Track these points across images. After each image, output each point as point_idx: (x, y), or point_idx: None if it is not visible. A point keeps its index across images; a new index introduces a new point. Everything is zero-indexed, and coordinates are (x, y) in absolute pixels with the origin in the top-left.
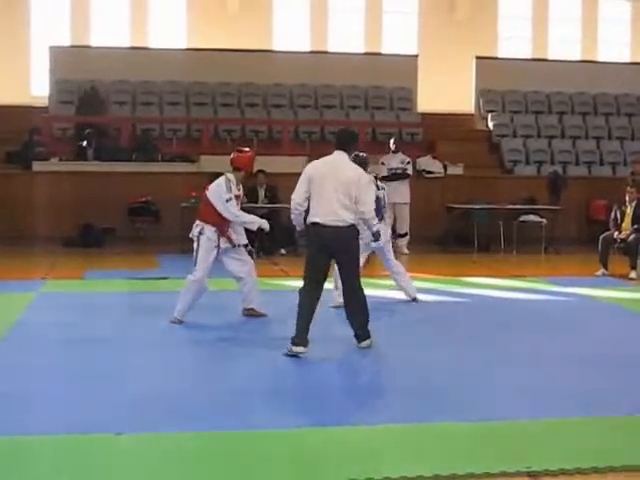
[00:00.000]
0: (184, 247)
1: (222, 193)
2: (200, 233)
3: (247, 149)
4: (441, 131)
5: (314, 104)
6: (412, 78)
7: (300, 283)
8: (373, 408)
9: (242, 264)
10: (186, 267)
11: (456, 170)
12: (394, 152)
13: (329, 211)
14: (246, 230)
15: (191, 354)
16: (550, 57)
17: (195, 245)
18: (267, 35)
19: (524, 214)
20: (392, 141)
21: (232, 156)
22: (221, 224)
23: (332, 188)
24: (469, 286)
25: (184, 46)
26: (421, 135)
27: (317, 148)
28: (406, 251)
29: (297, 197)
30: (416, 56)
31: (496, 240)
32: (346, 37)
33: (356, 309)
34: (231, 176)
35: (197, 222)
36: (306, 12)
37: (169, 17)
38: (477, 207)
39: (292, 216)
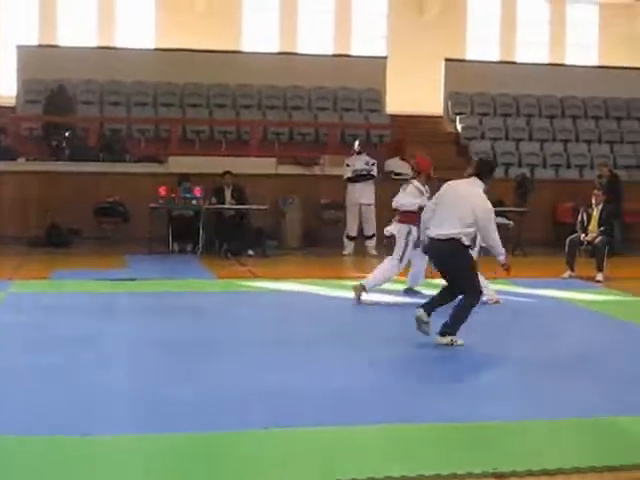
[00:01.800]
0: (152, 248)
1: None
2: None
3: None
4: (410, 133)
5: (283, 105)
6: (381, 80)
7: (268, 284)
8: (340, 409)
9: None
10: (154, 268)
11: None
12: (359, 154)
13: None
14: (219, 230)
15: (163, 354)
16: (518, 60)
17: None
18: (236, 36)
19: None
20: (357, 143)
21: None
22: None
23: None
24: (436, 287)
25: (152, 46)
26: (390, 137)
27: (286, 149)
28: (374, 253)
29: None
30: (385, 58)
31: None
32: (315, 38)
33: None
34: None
35: None
36: (275, 13)
37: (137, 17)
38: None
39: None
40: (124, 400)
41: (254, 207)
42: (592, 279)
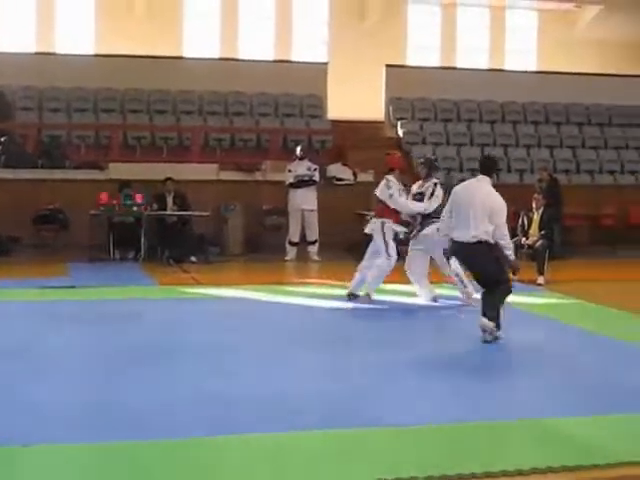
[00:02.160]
0: (93, 255)
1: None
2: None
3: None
4: (351, 138)
5: (224, 111)
6: (322, 86)
7: (210, 290)
8: (285, 415)
9: None
10: (95, 275)
11: (366, 177)
12: (300, 159)
13: None
14: (161, 237)
15: (104, 362)
16: (459, 66)
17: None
18: (177, 41)
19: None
20: (299, 148)
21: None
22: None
23: None
24: (382, 293)
25: (92, 52)
26: (331, 142)
27: (227, 155)
28: (316, 258)
29: None
30: (326, 64)
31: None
32: (256, 44)
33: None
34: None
35: None
36: (216, 18)
37: (76, 22)
38: None
39: None
40: (65, 409)
41: (196, 213)
42: (533, 282)
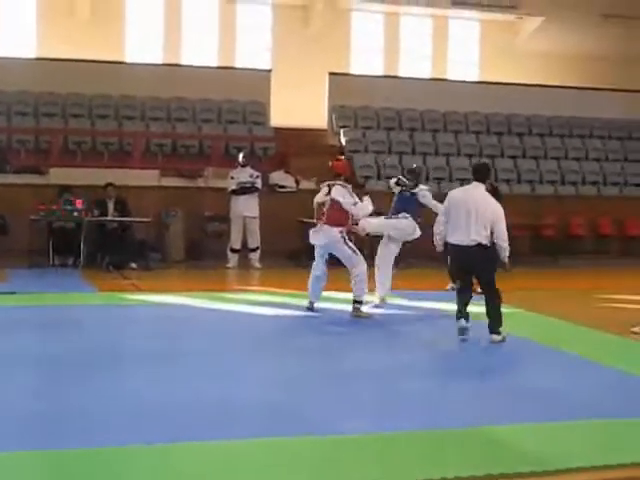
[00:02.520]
0: (32, 261)
1: None
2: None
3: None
4: (294, 146)
5: (166, 117)
6: (265, 92)
7: (151, 297)
8: (226, 423)
9: None
10: (35, 281)
11: (309, 185)
12: (243, 166)
13: None
14: (101, 243)
15: (41, 369)
16: (402, 74)
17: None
18: (119, 46)
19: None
20: (241, 155)
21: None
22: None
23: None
24: (321, 300)
25: (33, 55)
26: (274, 149)
27: (169, 161)
28: (258, 265)
29: None
30: (269, 71)
31: None
32: (200, 50)
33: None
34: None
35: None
36: (159, 23)
37: (18, 25)
38: None
39: None
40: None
41: (137, 219)
42: (474, 292)
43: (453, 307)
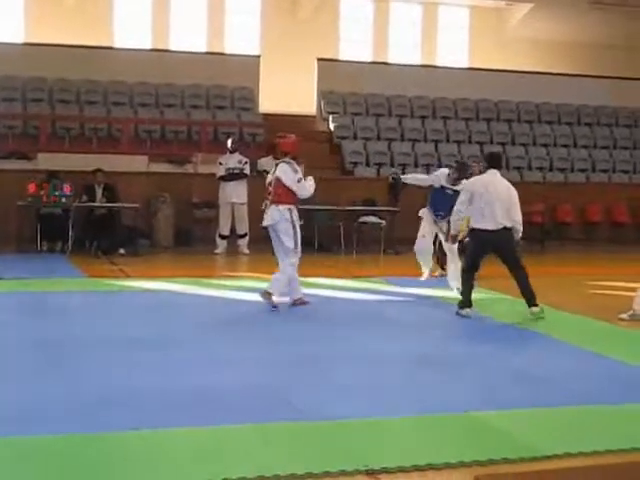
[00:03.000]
0: (20, 247)
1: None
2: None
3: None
4: (283, 132)
5: (155, 103)
6: (254, 78)
7: (139, 283)
8: (212, 409)
9: None
10: (22, 267)
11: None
12: (232, 152)
13: None
14: (89, 229)
15: (29, 354)
16: (391, 61)
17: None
18: (107, 31)
19: (364, 215)
20: (230, 141)
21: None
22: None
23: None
24: (310, 286)
25: (21, 40)
26: (263, 135)
27: (157, 147)
28: (246, 251)
29: None
30: (258, 56)
31: (337, 241)
32: (188, 35)
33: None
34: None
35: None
36: (147, 9)
37: (5, 10)
38: (318, 208)
39: None
40: None
41: (125, 205)
42: (436, 274)
43: (440, 293)
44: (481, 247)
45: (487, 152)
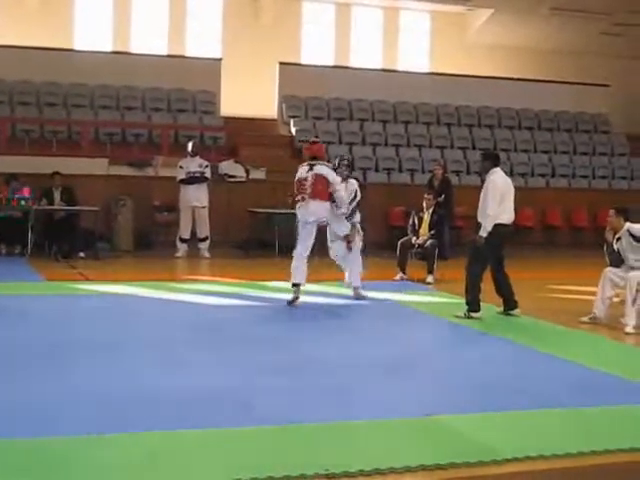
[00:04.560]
0: None
1: None
2: None
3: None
4: (244, 135)
5: (115, 105)
6: (215, 82)
7: (99, 286)
8: (187, 412)
9: None
10: None
11: (259, 174)
12: (192, 156)
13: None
14: (48, 232)
15: None
16: (352, 65)
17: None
18: (68, 33)
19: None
20: (190, 145)
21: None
22: None
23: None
24: (271, 290)
25: None
26: (224, 139)
27: (117, 150)
28: (207, 255)
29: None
30: (220, 60)
31: None
32: (150, 38)
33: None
34: None
35: None
36: (108, 11)
37: None
38: (279, 212)
39: None
40: None
41: (85, 208)
42: (423, 281)
43: (402, 297)
44: (504, 242)
45: (489, 151)
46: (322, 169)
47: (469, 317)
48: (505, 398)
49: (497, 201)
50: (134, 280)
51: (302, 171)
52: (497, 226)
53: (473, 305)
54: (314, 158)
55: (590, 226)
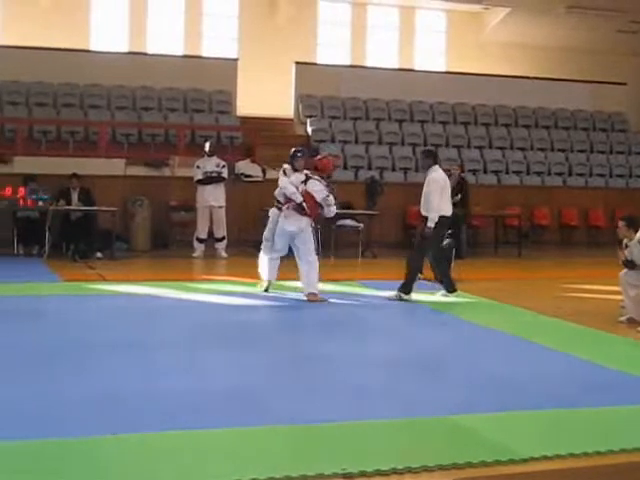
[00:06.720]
0: None
1: None
2: None
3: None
4: (260, 135)
5: (132, 106)
6: (232, 81)
7: (116, 286)
8: (195, 413)
9: None
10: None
11: (275, 174)
12: (209, 155)
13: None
14: (66, 233)
15: (3, 360)
16: (368, 65)
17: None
18: (84, 34)
19: (341, 219)
20: (207, 145)
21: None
22: None
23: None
24: (288, 290)
25: None
26: (240, 139)
27: (134, 150)
28: (224, 255)
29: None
30: (236, 60)
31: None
32: (166, 38)
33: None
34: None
35: None
36: (124, 11)
37: None
38: None
39: None
40: None
41: (102, 209)
42: (439, 280)
43: (418, 297)
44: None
45: (428, 149)
46: (314, 186)
47: (400, 299)
48: (523, 398)
49: (439, 195)
50: (151, 280)
51: (297, 179)
52: (441, 218)
53: (406, 287)
54: (317, 170)
55: (607, 225)
